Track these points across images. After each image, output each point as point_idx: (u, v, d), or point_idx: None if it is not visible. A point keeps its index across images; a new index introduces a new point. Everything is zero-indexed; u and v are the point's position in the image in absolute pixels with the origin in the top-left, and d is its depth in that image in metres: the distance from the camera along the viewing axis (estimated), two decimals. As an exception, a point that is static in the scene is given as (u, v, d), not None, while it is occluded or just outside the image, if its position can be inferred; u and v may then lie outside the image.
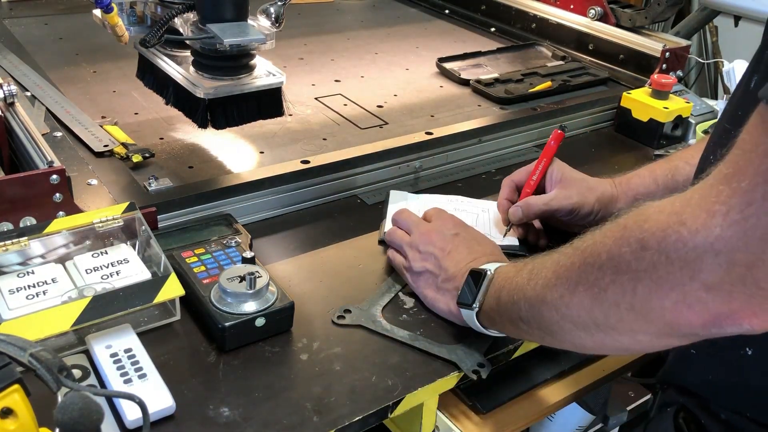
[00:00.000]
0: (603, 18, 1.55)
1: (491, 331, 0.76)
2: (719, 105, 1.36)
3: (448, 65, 1.48)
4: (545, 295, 0.64)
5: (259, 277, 0.76)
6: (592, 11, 1.56)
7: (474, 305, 0.74)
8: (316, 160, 1.03)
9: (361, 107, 1.31)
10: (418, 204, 1.02)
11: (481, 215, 1.01)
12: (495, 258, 0.81)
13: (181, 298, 0.77)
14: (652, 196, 0.87)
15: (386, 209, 1.01)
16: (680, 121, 1.30)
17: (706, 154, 0.72)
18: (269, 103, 1.01)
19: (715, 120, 1.31)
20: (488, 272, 0.74)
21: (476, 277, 0.75)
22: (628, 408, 0.99)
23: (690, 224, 0.50)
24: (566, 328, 0.63)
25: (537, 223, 0.98)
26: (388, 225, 0.95)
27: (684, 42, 1.49)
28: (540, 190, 0.97)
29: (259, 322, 0.75)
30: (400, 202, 1.03)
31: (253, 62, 0.99)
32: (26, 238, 0.78)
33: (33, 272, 0.77)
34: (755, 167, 0.47)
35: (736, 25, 2.30)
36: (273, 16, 0.98)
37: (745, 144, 0.49)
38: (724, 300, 0.49)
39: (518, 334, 0.73)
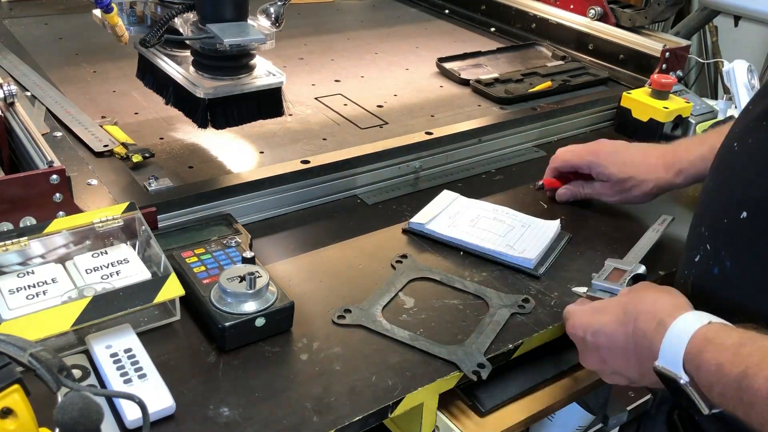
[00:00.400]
0: (603, 18, 1.55)
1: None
2: (719, 105, 1.36)
3: (448, 65, 1.48)
4: None
5: (259, 277, 0.76)
6: (592, 11, 1.56)
7: (703, 413, 0.63)
8: (316, 160, 1.03)
9: (361, 107, 1.31)
10: (458, 207, 1.03)
11: (517, 229, 0.99)
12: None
13: (181, 298, 0.77)
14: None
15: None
16: (680, 121, 1.30)
17: (729, 140, 0.71)
18: (269, 103, 1.01)
19: (715, 120, 1.31)
20: (682, 383, 0.63)
21: (668, 380, 0.64)
22: (628, 408, 0.99)
23: None
24: None
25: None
26: (418, 215, 1.00)
27: (684, 42, 1.49)
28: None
29: (259, 322, 0.75)
30: (444, 200, 1.05)
31: (253, 62, 0.99)
32: (26, 238, 0.78)
33: (33, 272, 0.77)
34: None
35: (736, 25, 2.30)
36: (273, 16, 0.98)
37: None
38: None
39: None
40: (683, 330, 0.63)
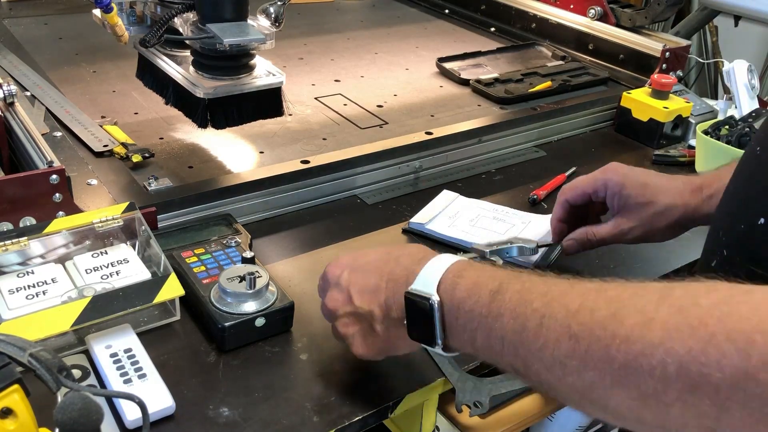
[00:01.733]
0: (603, 18, 1.56)
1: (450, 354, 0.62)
2: (719, 105, 1.36)
3: (448, 65, 1.48)
4: (551, 367, 0.49)
5: (259, 277, 0.76)
6: (592, 11, 1.56)
7: (436, 344, 0.59)
8: (316, 160, 1.03)
9: (361, 107, 1.31)
10: (458, 207, 1.04)
11: (517, 226, 0.99)
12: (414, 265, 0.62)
13: (181, 298, 0.77)
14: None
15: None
16: (680, 121, 1.30)
17: (753, 146, 0.66)
18: (269, 103, 1.01)
19: (715, 120, 1.31)
20: (431, 301, 0.58)
21: (415, 308, 0.59)
22: (628, 408, 0.99)
23: None
24: (590, 410, 0.50)
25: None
26: (417, 215, 1.00)
27: (684, 42, 1.49)
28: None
29: (259, 322, 0.75)
30: (444, 200, 1.05)
31: (253, 62, 0.99)
32: (26, 238, 0.78)
33: (33, 272, 0.77)
34: None
35: (736, 25, 2.30)
36: (273, 16, 0.98)
37: None
38: None
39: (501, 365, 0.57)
40: (445, 260, 0.60)
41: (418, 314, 0.59)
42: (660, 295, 0.46)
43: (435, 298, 0.58)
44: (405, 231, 0.99)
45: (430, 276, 0.59)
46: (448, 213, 1.02)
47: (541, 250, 0.90)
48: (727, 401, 0.40)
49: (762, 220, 0.63)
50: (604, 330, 0.46)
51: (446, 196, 1.06)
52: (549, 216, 0.96)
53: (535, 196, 1.08)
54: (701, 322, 0.42)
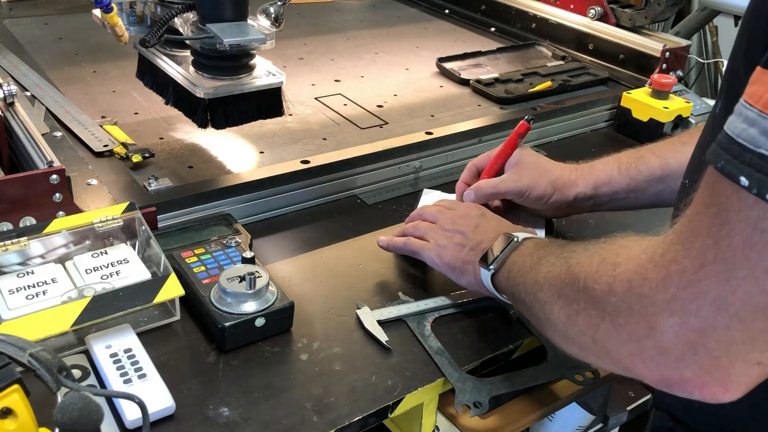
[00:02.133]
0: (603, 18, 1.55)
1: (502, 296, 0.77)
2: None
3: (448, 65, 1.48)
4: (536, 292, 0.66)
5: (259, 277, 0.76)
6: (592, 11, 1.56)
7: (491, 266, 0.75)
8: (316, 160, 1.03)
9: (361, 107, 1.31)
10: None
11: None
12: (526, 232, 0.81)
13: (181, 298, 0.77)
14: (613, 185, 0.92)
15: (417, 205, 1.03)
16: (680, 121, 1.30)
17: (691, 166, 0.70)
18: (269, 103, 1.01)
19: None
20: (515, 239, 0.75)
21: (505, 240, 0.76)
22: (628, 408, 0.99)
23: (651, 279, 0.50)
24: (550, 329, 0.64)
25: (496, 203, 0.99)
26: None
27: (684, 42, 1.49)
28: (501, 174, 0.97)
29: (259, 322, 0.75)
30: (430, 200, 1.04)
31: (253, 62, 0.99)
32: (26, 238, 0.78)
33: (33, 272, 0.77)
34: (706, 229, 0.47)
35: (736, 25, 2.30)
36: (273, 15, 0.98)
37: (698, 204, 0.48)
38: (675, 366, 0.49)
39: (520, 310, 0.75)
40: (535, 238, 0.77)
41: (499, 245, 0.76)
42: (602, 252, 0.59)
43: (519, 238, 0.76)
44: None
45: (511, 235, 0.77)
46: None
47: None
48: (602, 311, 0.55)
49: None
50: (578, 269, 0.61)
51: (430, 195, 1.07)
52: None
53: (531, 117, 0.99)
54: (604, 259, 0.57)
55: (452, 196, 1.05)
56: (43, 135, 0.97)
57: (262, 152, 1.12)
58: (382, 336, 0.78)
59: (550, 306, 0.63)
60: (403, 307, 0.83)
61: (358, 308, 0.82)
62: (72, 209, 0.85)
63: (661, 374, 0.51)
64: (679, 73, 1.46)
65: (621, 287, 0.53)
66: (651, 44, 1.46)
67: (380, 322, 0.80)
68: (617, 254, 0.56)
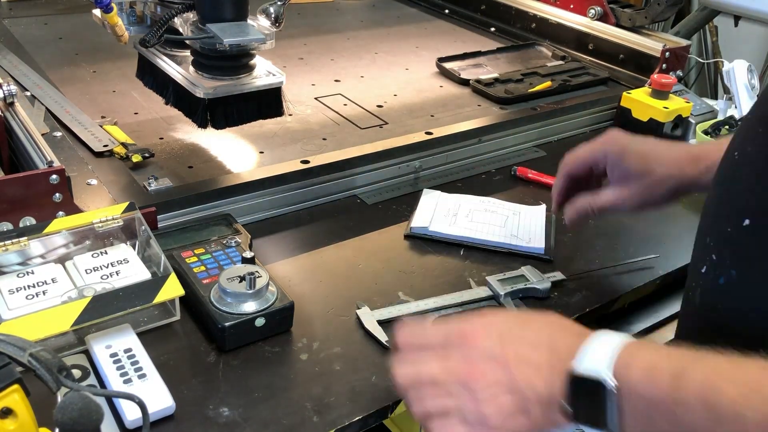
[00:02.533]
0: (603, 18, 1.55)
1: None
2: (719, 105, 1.36)
3: (448, 65, 1.48)
4: None
5: (258, 277, 0.76)
6: (592, 11, 1.56)
7: (607, 429, 0.53)
8: (316, 160, 1.03)
9: (361, 107, 1.31)
10: (448, 204, 1.04)
11: (511, 218, 1.02)
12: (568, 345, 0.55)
13: (181, 298, 0.77)
14: None
15: (417, 205, 1.04)
16: (680, 121, 1.29)
17: (730, 151, 0.67)
18: (269, 103, 1.01)
19: (715, 120, 1.31)
20: (608, 386, 0.52)
21: (585, 391, 0.53)
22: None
23: None
24: None
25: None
26: (416, 219, 0.99)
27: (684, 42, 1.49)
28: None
29: (259, 322, 0.75)
30: (431, 200, 1.05)
31: (252, 62, 0.99)
32: (26, 238, 0.78)
33: (33, 272, 0.77)
34: None
35: (736, 25, 2.30)
36: (273, 15, 0.98)
37: None
38: None
39: None
40: (610, 338, 0.55)
41: (586, 397, 0.53)
42: None
43: (612, 382, 0.52)
44: (408, 236, 0.98)
45: (600, 354, 0.53)
46: (442, 212, 1.02)
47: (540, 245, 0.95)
48: None
49: (747, 221, 0.63)
50: None
51: (430, 195, 1.07)
52: (536, 207, 1.02)
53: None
54: None
55: (453, 197, 1.05)
56: (43, 135, 0.97)
57: (262, 152, 1.12)
58: (382, 336, 0.78)
59: None
60: (402, 307, 0.83)
61: (358, 308, 0.82)
62: (72, 209, 0.85)
63: None
64: (679, 73, 1.46)
65: None
66: (651, 44, 1.46)
67: (380, 322, 0.80)
68: None
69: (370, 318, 0.81)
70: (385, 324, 0.80)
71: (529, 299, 0.87)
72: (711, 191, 0.71)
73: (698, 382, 0.49)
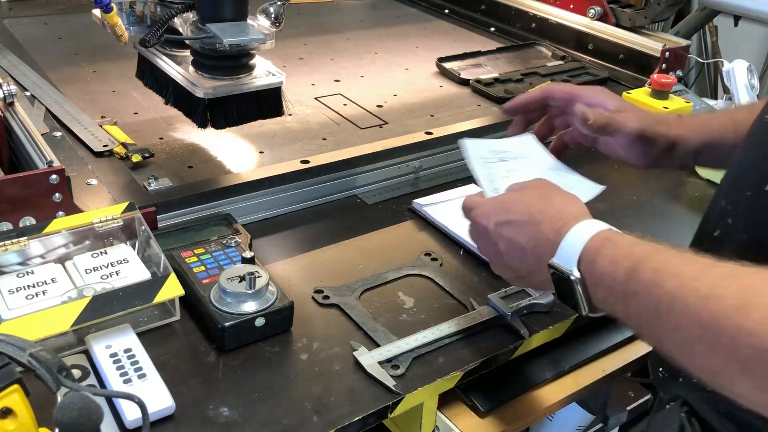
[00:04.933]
0: (603, 18, 1.55)
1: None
2: (719, 105, 1.36)
3: (448, 65, 1.48)
4: (691, 357, 0.54)
5: (258, 277, 0.76)
6: (592, 11, 1.56)
7: (582, 311, 0.65)
8: (316, 160, 1.03)
9: (361, 107, 1.31)
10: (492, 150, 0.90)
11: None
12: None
13: (181, 298, 0.77)
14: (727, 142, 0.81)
15: (471, 166, 0.86)
16: (680, 121, 1.29)
17: (762, 114, 0.68)
18: (269, 102, 1.01)
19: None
20: (572, 278, 0.64)
21: (559, 280, 0.65)
22: (628, 408, 0.99)
23: None
24: (720, 390, 0.53)
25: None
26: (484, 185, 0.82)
27: (684, 42, 1.49)
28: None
29: (259, 322, 0.75)
30: (478, 154, 0.88)
31: (252, 62, 0.99)
32: (26, 238, 0.78)
33: (33, 272, 0.77)
34: None
35: (736, 25, 2.30)
36: (273, 15, 0.98)
37: None
38: None
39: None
40: (584, 231, 0.65)
41: (562, 284, 0.65)
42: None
43: (575, 275, 0.64)
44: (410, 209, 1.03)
45: (571, 249, 0.64)
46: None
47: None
48: None
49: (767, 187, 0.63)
50: (730, 320, 0.49)
51: (474, 145, 0.90)
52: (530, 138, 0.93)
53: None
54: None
55: (500, 142, 0.93)
56: (42, 135, 0.97)
57: (261, 152, 1.12)
58: (388, 381, 0.72)
59: (728, 378, 0.51)
60: (401, 343, 0.77)
61: (355, 350, 0.76)
62: (72, 209, 0.85)
63: None
64: (679, 73, 1.46)
65: None
66: (651, 44, 1.46)
67: (381, 363, 0.74)
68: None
69: (370, 360, 0.74)
70: (386, 363, 0.75)
71: (531, 314, 0.84)
72: (738, 153, 0.71)
73: (646, 274, 0.57)
